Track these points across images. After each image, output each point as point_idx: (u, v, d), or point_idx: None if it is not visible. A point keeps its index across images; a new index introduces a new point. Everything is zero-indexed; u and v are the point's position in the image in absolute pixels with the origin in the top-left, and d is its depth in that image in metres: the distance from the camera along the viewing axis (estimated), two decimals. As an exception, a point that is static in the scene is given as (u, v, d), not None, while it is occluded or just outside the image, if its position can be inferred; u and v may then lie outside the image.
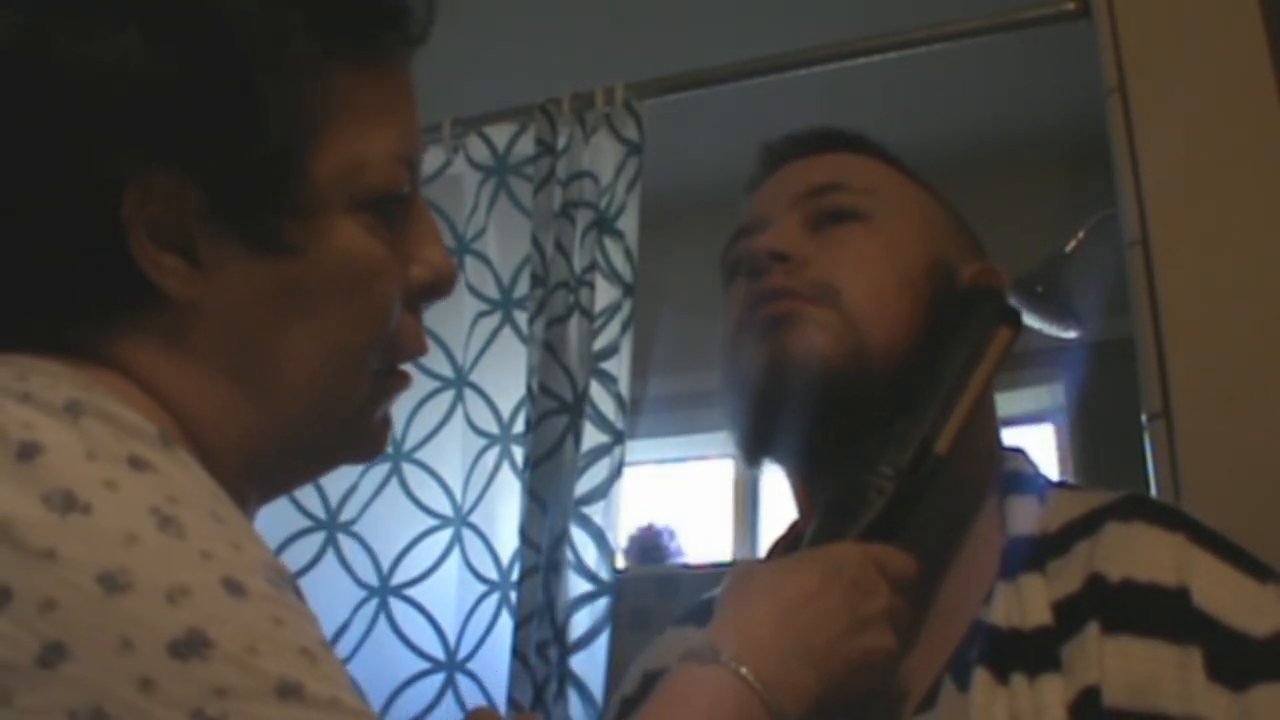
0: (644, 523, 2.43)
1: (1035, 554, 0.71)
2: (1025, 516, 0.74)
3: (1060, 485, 0.79)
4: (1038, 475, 0.80)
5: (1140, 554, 0.68)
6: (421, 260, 0.62)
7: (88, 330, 0.56)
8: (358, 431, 0.62)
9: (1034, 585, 0.69)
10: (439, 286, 0.63)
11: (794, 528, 0.88)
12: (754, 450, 0.82)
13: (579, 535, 1.41)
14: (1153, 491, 1.11)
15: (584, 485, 1.43)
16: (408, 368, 0.65)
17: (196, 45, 0.54)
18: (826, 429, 0.76)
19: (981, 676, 0.67)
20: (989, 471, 0.79)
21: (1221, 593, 0.65)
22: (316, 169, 0.56)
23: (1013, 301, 0.82)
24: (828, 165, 0.86)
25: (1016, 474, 0.79)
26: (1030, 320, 1.90)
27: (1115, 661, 0.64)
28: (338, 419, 0.60)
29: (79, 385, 0.51)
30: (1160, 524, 0.70)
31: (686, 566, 2.27)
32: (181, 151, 0.54)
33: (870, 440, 0.73)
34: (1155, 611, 0.65)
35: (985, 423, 0.82)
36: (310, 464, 0.64)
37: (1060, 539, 0.72)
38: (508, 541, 1.47)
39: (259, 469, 0.59)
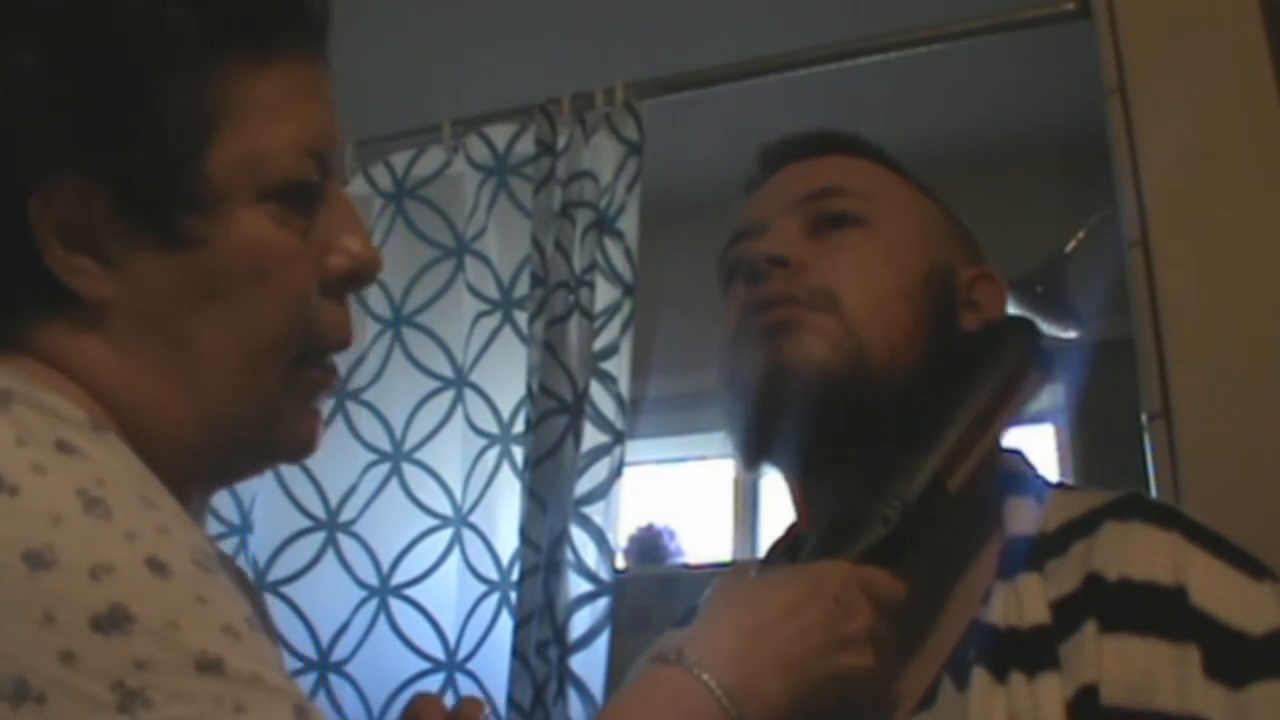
0: (644, 523, 2.43)
1: (1033, 554, 0.72)
2: (1023, 517, 0.74)
3: (1058, 486, 0.79)
4: (1035, 476, 0.80)
5: (1137, 553, 0.68)
6: (340, 249, 0.63)
7: (15, 327, 0.58)
8: (284, 425, 0.63)
9: (1032, 585, 0.70)
10: (360, 274, 0.64)
11: (791, 530, 0.88)
12: (752, 455, 0.82)
13: (579, 535, 1.41)
14: (1153, 492, 1.11)
15: (584, 485, 1.43)
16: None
17: (90, 55, 0.57)
18: (825, 435, 0.76)
19: (980, 675, 0.67)
20: (987, 473, 0.79)
21: (1218, 591, 0.66)
22: (215, 164, 0.58)
23: (1045, 343, 0.81)
24: (826, 168, 0.86)
25: (1014, 475, 0.79)
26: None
27: (1113, 660, 0.64)
28: (261, 409, 0.62)
29: (11, 375, 0.53)
30: (1156, 523, 0.70)
31: (686, 566, 2.27)
32: (81, 157, 0.57)
33: (882, 463, 0.73)
34: (1152, 610, 0.66)
35: None
36: (245, 458, 0.65)
37: (1058, 539, 0.72)
38: (508, 541, 1.47)
39: (197, 462, 0.61)
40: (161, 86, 0.58)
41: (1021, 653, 0.67)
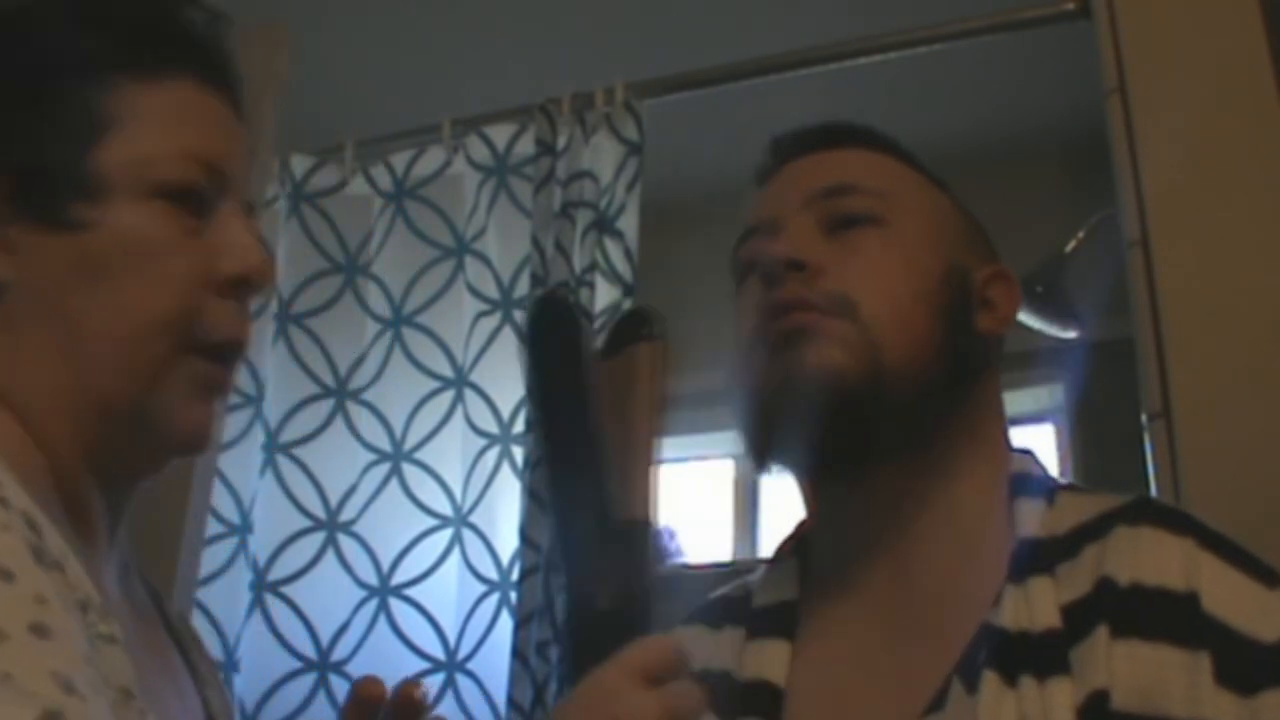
0: (644, 523, 2.42)
1: (1044, 557, 0.71)
2: (1034, 519, 0.74)
3: (1068, 488, 0.79)
4: (1046, 477, 0.79)
5: (1148, 558, 0.68)
6: (231, 254, 0.69)
7: None
8: (166, 410, 0.67)
9: (1043, 588, 0.69)
10: (249, 278, 0.69)
11: (800, 528, 0.88)
12: (764, 457, 0.81)
13: (579, 535, 1.40)
14: (1153, 492, 1.11)
15: (584, 485, 1.43)
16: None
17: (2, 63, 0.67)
18: (840, 442, 0.76)
19: (990, 679, 0.66)
20: (998, 473, 0.79)
21: (1230, 597, 0.65)
22: (106, 161, 0.66)
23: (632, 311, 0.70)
24: (840, 163, 0.85)
25: (1025, 476, 0.78)
26: (1030, 320, 1.90)
27: (1124, 665, 0.64)
28: (140, 388, 0.65)
29: None
30: (1168, 528, 0.69)
31: (686, 566, 2.27)
32: None
33: (578, 551, 0.65)
34: (1164, 615, 0.65)
35: (994, 423, 0.82)
36: (132, 442, 0.67)
37: (1069, 542, 0.72)
38: (508, 541, 1.46)
39: (90, 452, 0.65)
40: (59, 92, 0.67)
41: (1032, 656, 0.66)
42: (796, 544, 0.86)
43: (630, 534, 0.63)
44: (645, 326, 0.69)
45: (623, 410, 0.65)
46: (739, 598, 0.86)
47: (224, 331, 0.68)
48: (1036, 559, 0.71)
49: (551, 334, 0.67)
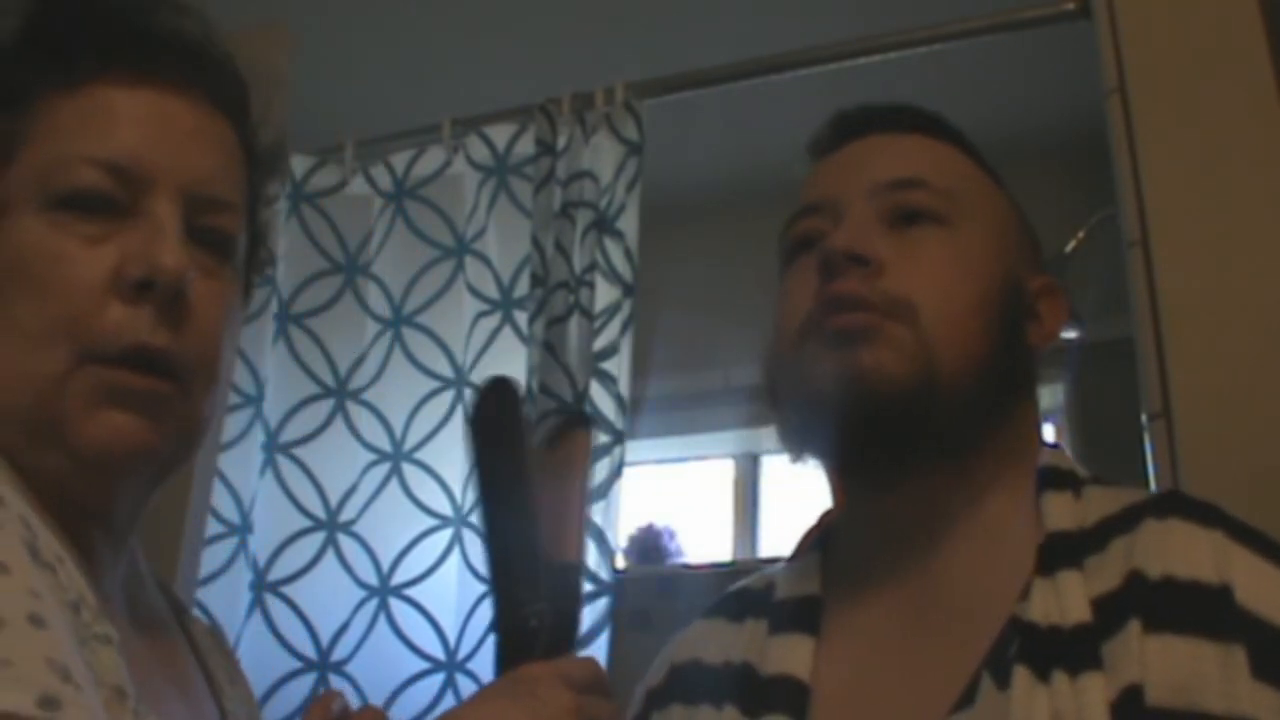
0: (644, 523, 2.43)
1: (1073, 550, 0.71)
2: (1062, 512, 0.73)
3: (1094, 481, 0.78)
4: (1073, 471, 0.78)
5: (1179, 551, 0.67)
6: (139, 257, 0.65)
7: None
8: (70, 420, 0.64)
9: (1072, 582, 0.69)
10: (150, 281, 0.65)
11: (824, 519, 0.87)
12: (799, 448, 0.81)
13: (579, 535, 1.41)
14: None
15: (584, 485, 1.43)
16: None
17: None
18: (882, 447, 0.76)
19: (1022, 674, 0.66)
20: (1027, 467, 0.78)
21: (1264, 590, 0.65)
22: (10, 179, 0.66)
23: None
24: (910, 153, 0.83)
25: (1053, 469, 0.78)
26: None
27: (1158, 660, 0.63)
28: (40, 400, 0.64)
29: None
30: (1197, 520, 0.69)
31: (686, 566, 2.27)
32: None
33: (516, 580, 0.72)
34: (1197, 609, 0.65)
35: (1026, 418, 0.81)
36: (60, 463, 0.65)
37: (1097, 535, 0.71)
38: (508, 541, 1.46)
39: (33, 471, 0.63)
40: None
41: (1064, 652, 0.66)
42: (818, 537, 0.86)
43: (564, 571, 0.71)
44: (582, 422, 0.79)
45: (562, 479, 0.73)
46: (760, 590, 0.85)
47: (125, 338, 0.64)
48: (1065, 552, 0.71)
49: (498, 412, 0.73)
